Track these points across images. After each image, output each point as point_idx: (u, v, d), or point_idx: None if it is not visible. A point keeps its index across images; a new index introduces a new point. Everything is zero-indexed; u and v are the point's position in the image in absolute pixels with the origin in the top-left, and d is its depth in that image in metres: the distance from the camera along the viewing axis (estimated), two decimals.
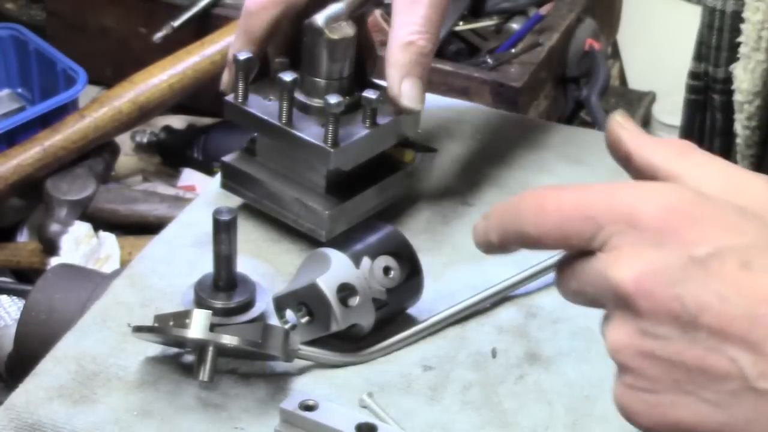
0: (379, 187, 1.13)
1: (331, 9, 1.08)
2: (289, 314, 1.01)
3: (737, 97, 0.78)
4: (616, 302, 0.65)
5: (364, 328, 1.01)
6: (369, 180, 1.13)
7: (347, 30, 1.08)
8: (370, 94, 1.08)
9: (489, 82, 2.02)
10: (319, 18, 1.07)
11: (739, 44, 0.78)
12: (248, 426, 0.95)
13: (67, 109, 2.03)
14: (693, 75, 0.84)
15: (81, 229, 1.90)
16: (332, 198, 1.10)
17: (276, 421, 0.94)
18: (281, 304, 1.01)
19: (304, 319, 1.00)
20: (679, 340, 0.63)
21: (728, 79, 0.79)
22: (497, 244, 0.72)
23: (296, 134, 1.08)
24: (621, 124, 0.71)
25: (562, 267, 0.70)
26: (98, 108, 1.96)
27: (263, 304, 1.02)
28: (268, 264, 1.10)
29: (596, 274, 0.66)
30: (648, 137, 0.71)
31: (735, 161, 0.80)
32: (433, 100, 1.30)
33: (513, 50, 2.17)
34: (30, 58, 2.17)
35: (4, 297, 1.79)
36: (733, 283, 0.62)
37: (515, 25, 2.30)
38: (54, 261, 1.82)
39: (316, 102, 1.09)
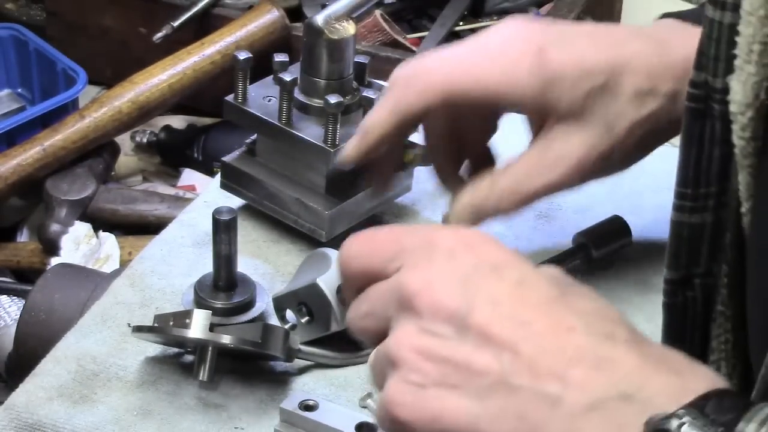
0: None
1: (331, 9, 1.08)
2: (289, 314, 1.01)
3: (732, 108, 0.79)
4: (401, 305, 0.70)
5: None
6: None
7: (347, 30, 1.08)
8: (370, 94, 1.09)
9: None
10: (319, 18, 1.07)
11: (735, 56, 0.79)
12: (248, 426, 0.95)
13: (67, 109, 2.03)
14: (693, 84, 0.85)
15: (81, 229, 1.90)
16: (332, 198, 1.10)
17: (276, 421, 0.94)
18: (281, 304, 1.01)
19: (304, 319, 1.00)
20: (452, 338, 0.68)
21: (726, 89, 0.81)
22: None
23: (296, 134, 1.08)
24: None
25: (355, 300, 0.75)
26: (98, 108, 1.96)
27: (263, 304, 1.02)
28: (268, 264, 1.10)
29: (388, 287, 0.72)
30: None
31: (735, 171, 0.81)
32: None
33: None
34: (30, 58, 2.18)
35: (4, 297, 1.79)
36: (507, 293, 0.69)
37: None
38: (54, 261, 1.82)
39: (316, 102, 1.09)
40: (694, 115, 0.85)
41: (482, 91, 0.95)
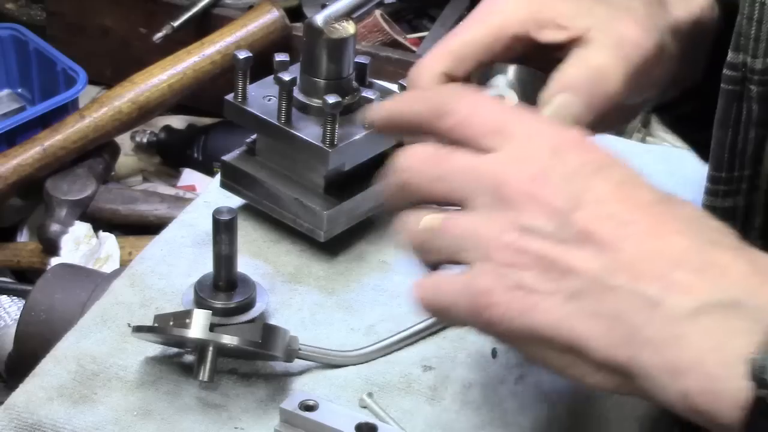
0: (379, 188, 1.13)
1: (331, 9, 1.08)
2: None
3: None
4: (496, 194, 0.69)
5: None
6: (368, 180, 1.13)
7: (347, 30, 1.08)
8: (369, 94, 1.09)
9: None
10: (319, 18, 1.07)
11: None
12: (248, 426, 0.95)
13: (67, 109, 2.03)
14: (730, 65, 0.84)
15: (81, 229, 1.90)
16: (331, 198, 1.10)
17: (276, 421, 0.94)
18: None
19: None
20: (551, 236, 0.67)
21: (766, 71, 0.81)
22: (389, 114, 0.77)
23: (295, 134, 1.08)
24: None
25: (423, 152, 0.73)
26: (98, 108, 1.97)
27: (263, 304, 1.02)
28: (268, 264, 1.10)
29: (480, 168, 0.70)
30: None
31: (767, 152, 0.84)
32: None
33: None
34: (30, 58, 2.18)
35: (4, 297, 1.80)
36: (612, 193, 0.68)
37: None
38: (54, 261, 1.82)
39: (316, 102, 1.09)
40: (730, 97, 0.85)
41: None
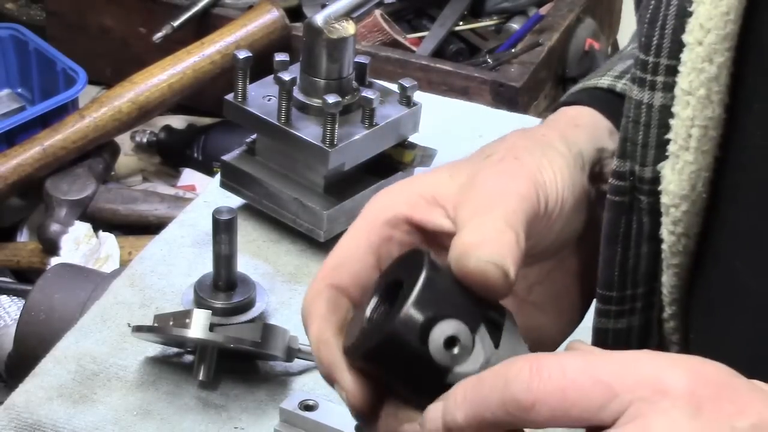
0: (379, 188, 1.13)
1: (331, 9, 1.08)
2: None
3: (664, 200, 0.71)
4: None
5: None
6: (368, 180, 1.13)
7: (347, 30, 1.08)
8: (369, 94, 1.09)
9: (489, 82, 2.03)
10: (319, 18, 1.07)
11: (667, 141, 0.70)
12: (248, 426, 0.95)
13: (67, 109, 2.03)
14: (617, 174, 0.74)
15: (81, 229, 1.90)
16: (331, 198, 1.10)
17: (276, 421, 0.94)
18: None
19: None
20: None
21: (656, 179, 0.72)
22: (465, 424, 0.59)
23: (294, 134, 1.08)
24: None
25: None
26: (98, 108, 1.97)
27: (263, 304, 1.02)
28: (268, 264, 1.10)
29: None
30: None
31: (662, 269, 0.73)
32: (433, 100, 1.30)
33: (513, 50, 2.17)
34: (30, 58, 2.18)
35: (4, 297, 1.80)
36: None
37: (515, 25, 2.30)
38: (54, 261, 1.82)
39: (315, 102, 1.09)
40: (617, 209, 0.75)
41: None
